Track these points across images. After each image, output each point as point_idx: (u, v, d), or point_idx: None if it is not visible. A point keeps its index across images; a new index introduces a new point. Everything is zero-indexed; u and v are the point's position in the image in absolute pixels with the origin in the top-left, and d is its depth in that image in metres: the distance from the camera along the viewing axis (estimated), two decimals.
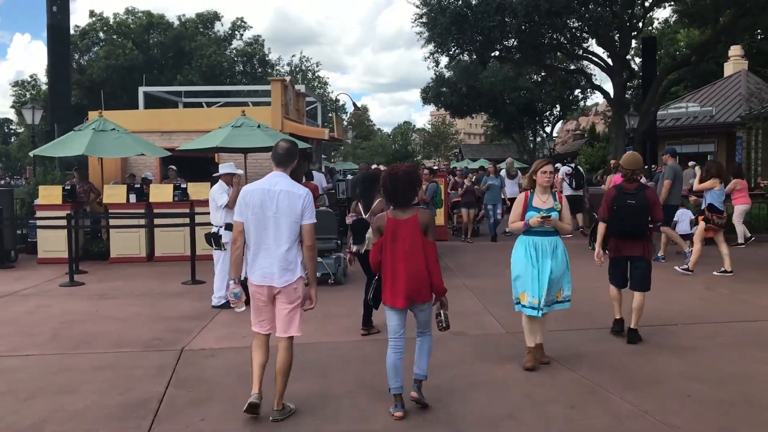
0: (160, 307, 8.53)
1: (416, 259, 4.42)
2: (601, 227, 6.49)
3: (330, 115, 19.44)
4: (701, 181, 10.35)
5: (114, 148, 12.42)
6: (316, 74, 51.26)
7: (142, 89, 19.50)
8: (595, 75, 29.10)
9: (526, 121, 46.07)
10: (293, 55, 47.65)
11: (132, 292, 9.66)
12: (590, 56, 23.17)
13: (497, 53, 23.91)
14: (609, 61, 22.68)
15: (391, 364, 4.55)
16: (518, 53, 23.14)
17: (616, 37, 22.18)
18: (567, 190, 14.71)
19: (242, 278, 4.57)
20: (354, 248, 6.84)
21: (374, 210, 6.60)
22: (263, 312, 4.56)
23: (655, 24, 35.73)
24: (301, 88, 17.37)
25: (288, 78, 15.90)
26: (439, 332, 4.82)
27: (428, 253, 4.47)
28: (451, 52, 23.98)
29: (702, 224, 10.04)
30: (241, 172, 8.92)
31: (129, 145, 12.60)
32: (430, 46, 23.97)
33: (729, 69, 30.99)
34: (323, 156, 28.52)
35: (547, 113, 47.32)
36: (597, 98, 51.67)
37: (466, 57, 24.45)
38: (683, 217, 11.51)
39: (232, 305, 4.65)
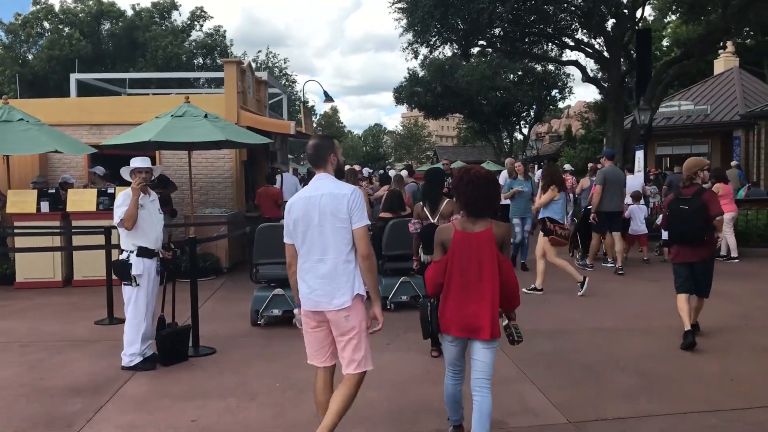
0: (46, 368, 5.94)
1: (489, 282, 3.68)
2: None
3: (297, 105, 17.02)
4: (543, 190, 9.01)
5: (20, 144, 9.72)
6: (284, 71, 48.56)
7: (74, 76, 16.68)
8: (591, 69, 27.14)
9: (502, 122, 44.99)
10: (259, 51, 44.99)
11: (19, 338, 7.03)
12: (584, 47, 21.08)
13: (481, 44, 21.80)
14: (605, 53, 20.66)
15: (449, 394, 4.02)
16: (505, 43, 21.02)
17: (609, 27, 20.21)
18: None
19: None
20: (426, 258, 5.80)
21: (443, 213, 5.84)
22: (314, 343, 3.85)
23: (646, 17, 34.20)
24: (262, 75, 14.80)
25: (246, 61, 13.30)
26: None
27: (506, 273, 3.75)
28: (431, 42, 21.87)
29: (543, 239, 8.91)
30: (159, 168, 6.28)
31: (40, 140, 9.88)
32: (409, 36, 21.86)
33: (720, 66, 29.77)
34: (290, 156, 25.94)
35: (524, 114, 46.03)
36: (570, 101, 50.96)
37: (447, 49, 22.34)
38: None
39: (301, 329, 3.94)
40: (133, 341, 5.82)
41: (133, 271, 5.73)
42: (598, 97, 42.11)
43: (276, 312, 7.10)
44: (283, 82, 47.86)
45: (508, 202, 10.72)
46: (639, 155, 15.13)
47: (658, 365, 5.69)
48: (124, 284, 5.80)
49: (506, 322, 3.89)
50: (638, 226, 11.54)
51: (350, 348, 3.71)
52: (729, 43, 28.10)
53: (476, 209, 3.78)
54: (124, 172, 6.00)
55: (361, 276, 3.71)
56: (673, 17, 35.31)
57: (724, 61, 29.42)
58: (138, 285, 5.75)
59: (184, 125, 9.76)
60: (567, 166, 17.23)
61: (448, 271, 3.73)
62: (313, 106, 57.28)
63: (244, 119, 11.90)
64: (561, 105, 47.81)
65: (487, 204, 3.79)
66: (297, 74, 67.16)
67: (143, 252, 5.76)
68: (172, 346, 5.99)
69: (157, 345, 5.97)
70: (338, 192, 3.70)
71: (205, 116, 9.93)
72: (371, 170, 19.95)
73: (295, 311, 3.97)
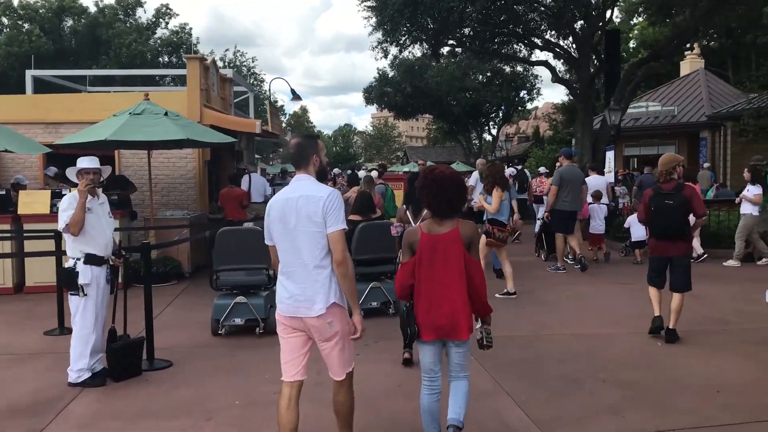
0: None
1: (457, 283, 3.66)
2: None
3: (265, 104, 16.49)
4: (488, 192, 8.91)
5: None
6: (252, 70, 47.81)
7: (30, 73, 15.97)
8: (560, 70, 27.14)
9: (471, 123, 45.14)
10: (227, 49, 43.67)
11: None
12: (554, 48, 21.01)
13: (451, 44, 21.60)
14: (574, 54, 20.60)
15: (425, 409, 3.82)
16: (475, 42, 20.86)
17: (578, 27, 20.16)
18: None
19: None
20: None
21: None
22: (290, 351, 3.70)
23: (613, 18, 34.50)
24: (227, 72, 14.31)
25: (210, 57, 12.85)
26: None
27: (473, 274, 3.69)
28: (401, 41, 21.61)
29: (483, 237, 8.79)
30: (108, 168, 5.82)
31: None
32: (378, 35, 21.57)
33: (686, 68, 30.08)
34: (258, 156, 25.44)
35: (493, 114, 46.21)
36: (538, 102, 51.40)
37: (417, 49, 22.14)
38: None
39: None
40: (81, 355, 5.38)
41: (81, 280, 5.29)
42: (566, 98, 42.78)
43: (238, 321, 6.70)
44: (251, 81, 47.20)
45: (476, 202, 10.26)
46: (609, 155, 15.04)
47: (640, 375, 5.44)
48: (71, 294, 5.36)
49: (479, 325, 3.83)
50: (598, 226, 11.54)
51: (336, 352, 3.64)
52: (695, 45, 28.46)
53: (440, 210, 3.73)
54: (70, 173, 5.56)
55: (331, 283, 3.58)
56: (640, 19, 35.79)
57: (690, 63, 29.74)
58: (86, 295, 5.32)
59: (142, 123, 9.30)
60: (542, 169, 17.09)
61: (417, 273, 3.68)
62: (282, 106, 56.56)
63: (207, 117, 11.46)
64: (529, 106, 48.22)
65: (452, 204, 3.73)
66: (265, 73, 66.30)
67: (91, 259, 5.32)
68: (124, 359, 5.57)
69: (108, 359, 5.54)
70: (315, 194, 3.57)
71: (165, 114, 9.48)
72: (339, 170, 19.59)
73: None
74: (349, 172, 14.23)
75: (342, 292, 3.60)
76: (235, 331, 6.88)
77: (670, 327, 6.37)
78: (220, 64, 43.56)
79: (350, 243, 7.28)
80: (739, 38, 30.87)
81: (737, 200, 11.28)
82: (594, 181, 12.55)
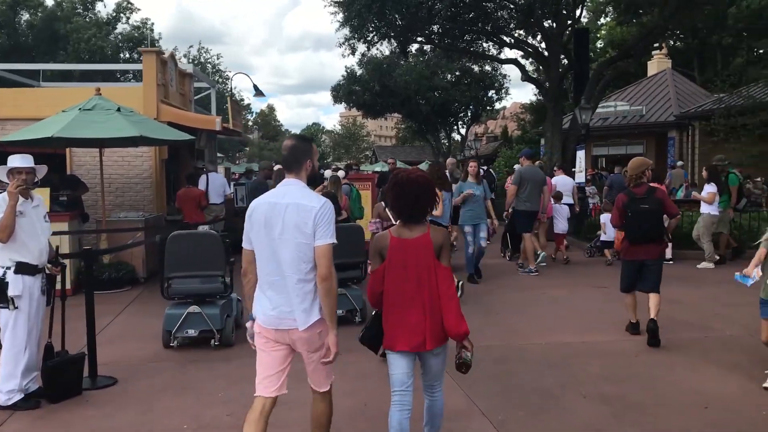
0: None
1: (427, 290, 3.47)
2: (620, 234, 6.73)
3: (225, 106, 15.86)
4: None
5: None
6: (217, 67, 46.87)
7: None
8: (529, 69, 26.96)
9: (440, 122, 44.93)
10: (191, 46, 42.13)
11: None
12: (523, 46, 20.80)
13: (420, 41, 21.26)
14: (544, 52, 20.41)
15: (395, 425, 3.50)
16: (444, 39, 20.55)
17: (548, 25, 19.99)
18: None
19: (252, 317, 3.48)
20: None
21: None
22: (272, 365, 3.44)
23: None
24: (187, 68, 13.69)
25: (168, 51, 12.27)
26: None
27: (441, 282, 3.47)
28: (369, 38, 21.18)
29: None
30: (44, 168, 5.21)
31: None
32: (346, 31, 21.11)
33: (653, 68, 30.23)
34: (220, 155, 24.76)
35: (462, 114, 46.11)
36: (506, 102, 51.49)
37: (385, 46, 21.76)
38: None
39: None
40: (11, 375, 4.84)
41: (11, 292, 4.75)
42: (535, 98, 42.91)
43: (191, 332, 6.19)
44: (216, 78, 46.22)
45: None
46: (580, 155, 14.83)
47: (623, 389, 5.10)
48: (0, 307, 4.81)
49: (459, 352, 3.58)
50: (561, 225, 11.47)
51: (318, 368, 3.51)
52: (663, 45, 28.61)
53: (407, 214, 3.58)
54: (1, 172, 5.00)
55: (313, 298, 3.41)
56: (608, 19, 35.98)
57: (658, 63, 29.88)
58: (17, 308, 4.78)
59: (93, 119, 8.74)
60: (517, 166, 16.80)
61: (387, 280, 3.54)
62: (248, 104, 55.69)
63: (164, 114, 10.88)
64: (498, 106, 48.42)
65: (419, 209, 3.58)
66: (230, 71, 64.88)
67: (23, 268, 4.78)
68: (62, 378, 5.03)
69: (43, 378, 5.00)
70: (306, 204, 3.37)
71: (118, 110, 8.92)
72: None
73: (248, 325, 3.59)
74: None
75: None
76: (188, 343, 6.37)
77: (653, 318, 6.30)
78: (183, 60, 42.66)
79: None
80: (705, 39, 31.25)
81: (692, 197, 11.25)
82: (561, 181, 12.45)
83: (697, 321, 7.25)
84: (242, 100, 63.11)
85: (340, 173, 10.03)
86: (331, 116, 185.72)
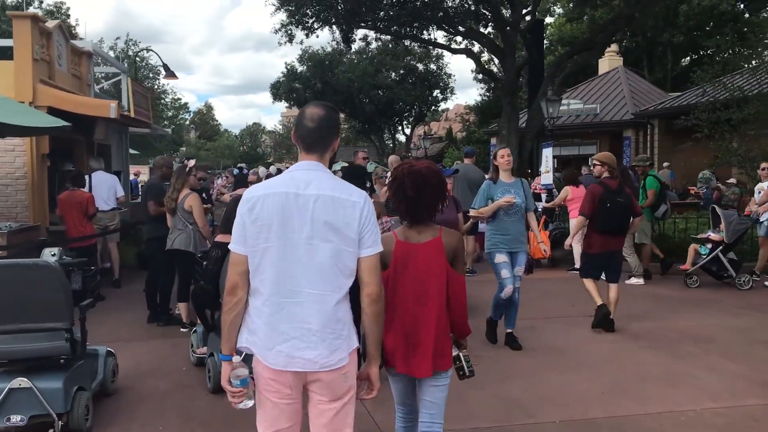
0: None
1: (436, 304, 3.02)
2: (580, 221, 6.67)
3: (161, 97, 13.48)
4: None
5: None
6: (146, 61, 43.72)
7: None
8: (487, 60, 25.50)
9: (384, 122, 44.43)
10: (117, 38, 37.90)
11: None
12: (477, 36, 19.18)
13: (364, 27, 19.40)
14: (499, 43, 18.85)
15: None
16: (392, 27, 18.76)
17: (503, 12, 18.47)
18: None
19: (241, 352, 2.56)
20: None
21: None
22: (282, 417, 2.59)
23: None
24: (84, 45, 11.27)
25: (56, 21, 9.93)
26: None
27: (456, 293, 3.05)
28: (308, 24, 19.21)
29: None
30: None
31: None
32: (282, 15, 19.11)
33: (604, 66, 29.34)
34: (136, 152, 22.06)
35: (406, 114, 45.60)
36: (450, 103, 50.81)
37: (327, 32, 19.88)
38: None
39: (233, 400, 2.57)
40: None
41: None
42: (480, 98, 42.15)
43: (16, 420, 3.93)
44: (147, 74, 43.12)
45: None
46: (547, 153, 13.19)
47: None
48: None
49: (456, 352, 3.21)
50: (483, 225, 10.55)
51: (344, 412, 2.62)
52: (612, 45, 27.71)
53: (417, 215, 3.10)
54: None
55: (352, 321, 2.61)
56: (555, 16, 35.14)
57: (609, 61, 29.02)
58: None
59: None
60: None
61: (390, 290, 2.99)
62: (186, 103, 52.54)
63: (43, 96, 8.63)
64: (443, 105, 48.16)
65: (425, 207, 3.09)
66: (160, 66, 62.11)
67: None
68: None
69: None
70: (344, 197, 2.53)
71: None
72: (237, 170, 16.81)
73: (234, 360, 2.54)
74: (235, 171, 11.40)
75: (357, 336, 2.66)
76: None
77: (610, 317, 6.58)
78: (111, 54, 39.39)
79: (218, 276, 4.75)
80: (655, 37, 30.57)
81: None
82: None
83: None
84: (179, 99, 59.85)
85: (262, 171, 7.99)
86: (273, 117, 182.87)
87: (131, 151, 16.66)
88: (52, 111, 8.44)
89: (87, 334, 4.25)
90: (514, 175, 6.19)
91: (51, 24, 9.60)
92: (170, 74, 17.17)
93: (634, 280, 9.14)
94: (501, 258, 5.93)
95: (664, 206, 9.33)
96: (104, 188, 8.89)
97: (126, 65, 14.99)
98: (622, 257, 6.88)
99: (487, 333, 6.23)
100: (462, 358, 3.20)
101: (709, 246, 8.68)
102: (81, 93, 10.57)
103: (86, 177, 8.78)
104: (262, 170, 13.61)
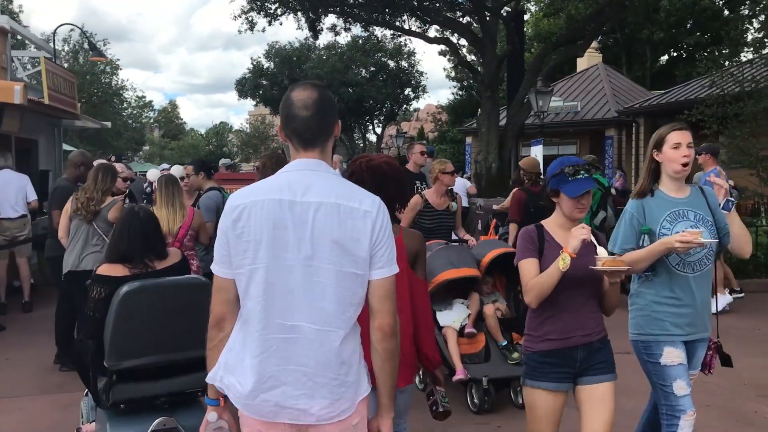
0: None
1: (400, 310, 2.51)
2: (514, 228, 6.66)
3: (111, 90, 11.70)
4: None
5: None
6: (108, 52, 41.45)
7: None
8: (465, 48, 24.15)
9: (354, 121, 43.34)
10: (71, 30, 34.03)
11: None
12: (455, 25, 17.82)
13: (333, 13, 17.92)
14: (479, 33, 17.51)
15: None
16: (362, 13, 17.30)
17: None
18: None
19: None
20: None
21: None
22: None
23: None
24: (2, 20, 9.50)
25: None
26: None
27: (416, 299, 2.75)
28: (271, 11, 17.68)
29: None
30: None
31: None
32: (243, 1, 17.56)
33: (583, 63, 28.32)
34: (74, 149, 20.20)
35: (377, 112, 44.96)
36: (421, 103, 50.13)
37: (291, 19, 18.39)
38: None
39: None
40: None
41: None
42: (453, 97, 41.25)
43: None
44: (105, 68, 40.75)
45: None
46: (536, 151, 11.90)
47: None
48: None
49: (429, 387, 2.90)
50: None
51: None
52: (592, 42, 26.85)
53: None
54: None
55: (364, 362, 2.15)
56: (530, 12, 34.20)
57: (588, 58, 27.96)
58: None
59: None
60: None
61: None
62: (150, 101, 50.10)
63: None
64: (415, 104, 47.66)
65: (390, 206, 2.61)
66: (120, 60, 59.42)
67: None
68: None
69: None
70: (353, 205, 2.06)
71: None
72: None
73: (209, 415, 2.20)
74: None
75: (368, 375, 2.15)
76: None
77: None
78: (61, 45, 37.07)
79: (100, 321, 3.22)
80: (634, 34, 29.77)
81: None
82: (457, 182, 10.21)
83: None
84: (143, 97, 57.23)
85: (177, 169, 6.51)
86: (241, 116, 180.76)
87: (80, 149, 14.88)
88: None
89: None
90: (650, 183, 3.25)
91: None
92: (98, 54, 15.51)
93: None
94: (673, 355, 3.10)
95: (603, 213, 8.11)
96: (11, 190, 7.18)
97: (52, 47, 13.19)
98: None
99: None
100: (437, 393, 2.87)
101: None
102: None
103: None
104: (151, 173, 11.94)
